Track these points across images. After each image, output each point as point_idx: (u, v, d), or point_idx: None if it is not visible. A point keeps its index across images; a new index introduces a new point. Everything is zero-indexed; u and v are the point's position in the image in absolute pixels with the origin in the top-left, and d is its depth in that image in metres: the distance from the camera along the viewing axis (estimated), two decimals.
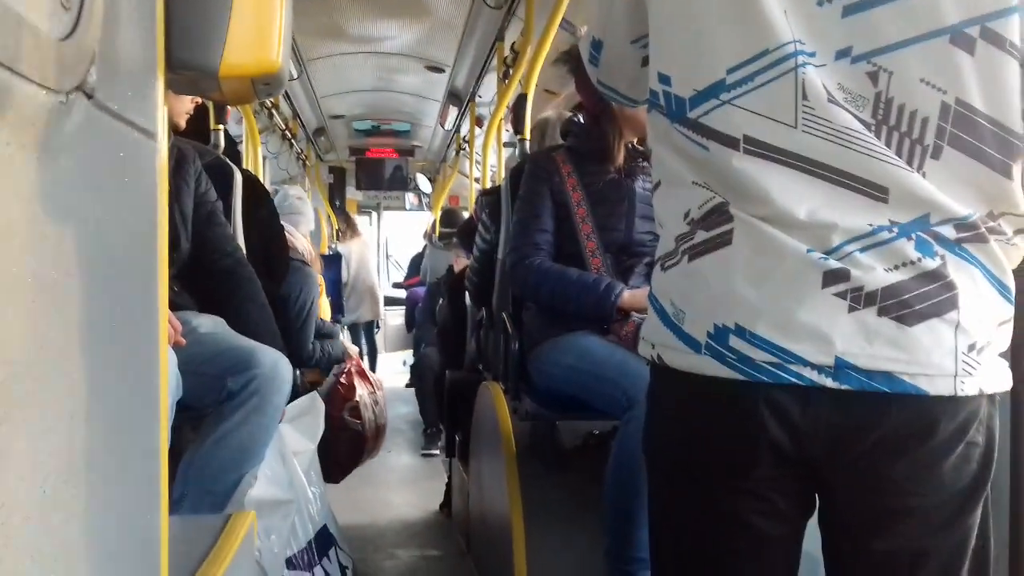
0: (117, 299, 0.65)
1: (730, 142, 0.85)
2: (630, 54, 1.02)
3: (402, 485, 4.18)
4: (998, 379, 0.86)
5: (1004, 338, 0.88)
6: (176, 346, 1.54)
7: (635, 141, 2.00)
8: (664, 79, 0.91)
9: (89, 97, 0.55)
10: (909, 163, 0.82)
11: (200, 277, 1.84)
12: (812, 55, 0.83)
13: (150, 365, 0.74)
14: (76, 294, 0.55)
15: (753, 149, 0.84)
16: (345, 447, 2.93)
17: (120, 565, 0.66)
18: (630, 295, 1.89)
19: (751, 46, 0.84)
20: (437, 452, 4.66)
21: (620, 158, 1.99)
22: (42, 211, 0.49)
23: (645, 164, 2.01)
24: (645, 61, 0.99)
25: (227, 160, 2.16)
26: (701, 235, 0.89)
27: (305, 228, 3.29)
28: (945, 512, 0.86)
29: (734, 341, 0.85)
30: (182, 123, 1.82)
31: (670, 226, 0.93)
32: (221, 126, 2.60)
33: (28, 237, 0.47)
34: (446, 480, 3.71)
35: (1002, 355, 0.88)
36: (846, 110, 0.82)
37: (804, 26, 0.83)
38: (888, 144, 0.82)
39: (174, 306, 1.72)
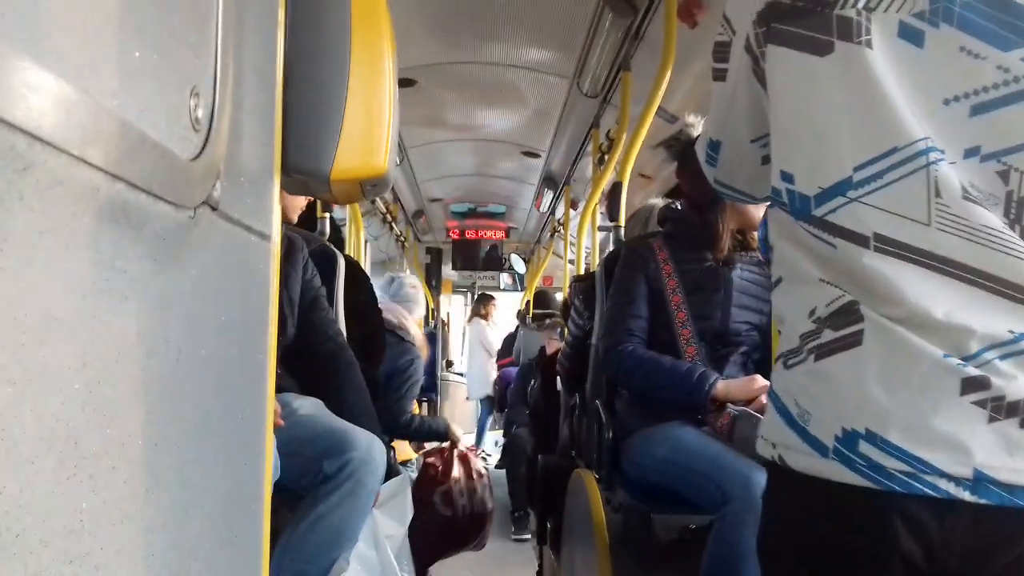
0: (231, 391, 0.68)
1: (859, 240, 0.83)
2: (750, 153, 1.03)
3: (491, 570, 4.12)
4: None
5: None
6: (276, 428, 1.59)
7: (738, 230, 1.99)
8: (787, 177, 0.90)
9: (214, 209, 0.59)
10: None
11: (302, 360, 1.90)
12: (942, 152, 0.81)
13: (257, 454, 0.76)
14: (194, 391, 0.58)
15: (884, 247, 0.82)
16: (433, 534, 2.84)
17: None
18: (724, 385, 1.85)
19: (879, 144, 0.82)
20: (528, 536, 4.59)
21: (724, 248, 1.98)
22: (168, 316, 0.53)
23: (744, 254, 2.00)
24: (765, 160, 0.99)
25: (331, 247, 2.25)
26: (829, 334, 0.86)
27: (418, 314, 3.33)
28: None
29: (864, 447, 0.81)
30: (295, 218, 1.92)
31: (793, 323, 0.91)
32: (327, 214, 2.72)
33: (154, 342, 0.50)
34: (537, 568, 3.64)
35: None
36: (982, 207, 0.80)
37: (931, 125, 0.82)
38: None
39: (277, 388, 1.78)
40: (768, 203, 0.99)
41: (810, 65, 0.87)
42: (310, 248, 2.04)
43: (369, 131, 0.87)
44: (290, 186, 0.88)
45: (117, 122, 0.43)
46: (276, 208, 0.80)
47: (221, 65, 0.60)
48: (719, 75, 1.03)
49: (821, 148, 0.87)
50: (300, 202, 1.91)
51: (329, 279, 2.10)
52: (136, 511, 0.48)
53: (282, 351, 1.87)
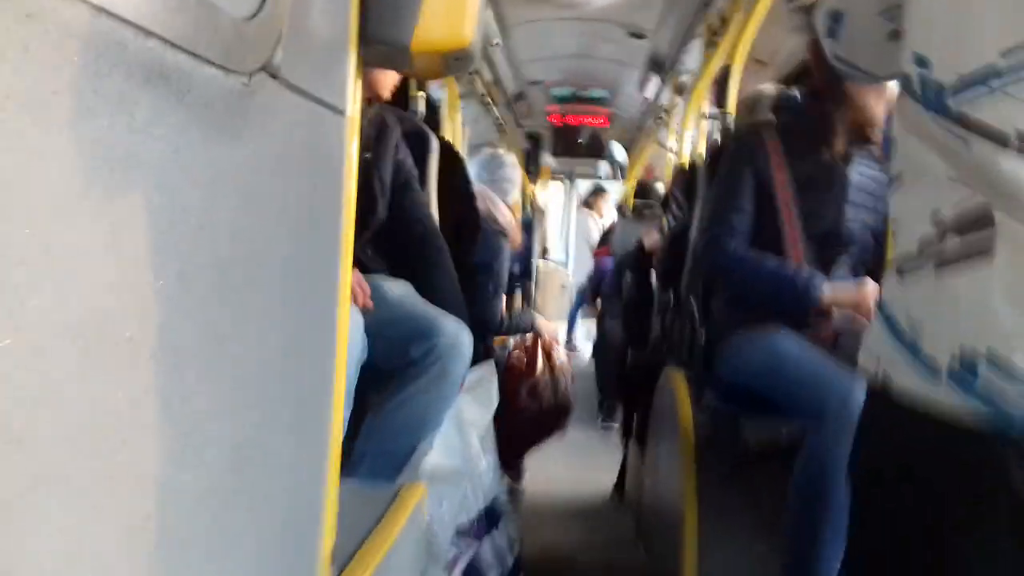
0: (298, 273, 0.64)
1: (999, 138, 0.72)
2: (876, 26, 0.91)
3: (577, 458, 4.18)
4: None
5: None
6: (365, 309, 1.58)
7: (859, 125, 1.81)
8: (921, 60, 0.78)
9: (274, 77, 0.54)
10: None
11: (393, 242, 1.89)
12: None
13: (329, 332, 0.74)
14: (252, 272, 0.55)
15: None
16: (522, 426, 2.89)
17: (287, 528, 0.67)
18: (832, 290, 1.74)
19: None
20: (616, 425, 4.62)
21: (841, 143, 1.81)
22: (220, 192, 0.49)
23: (863, 148, 1.83)
24: (892, 35, 0.88)
25: (425, 127, 2.19)
26: (953, 241, 0.76)
27: (513, 196, 3.17)
28: None
29: (983, 369, 0.73)
30: (387, 95, 1.85)
31: (912, 226, 0.81)
32: (422, 93, 2.65)
33: (202, 219, 0.46)
34: (621, 460, 3.67)
35: None
36: None
37: None
38: None
39: (366, 270, 1.78)
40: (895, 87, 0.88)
41: None
42: (403, 128, 1.99)
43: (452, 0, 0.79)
44: (369, 57, 0.81)
45: None
46: (353, 80, 0.74)
47: None
48: None
49: (965, 28, 0.75)
50: (393, 78, 1.83)
51: (422, 161, 2.05)
52: (202, 387, 0.45)
53: (373, 233, 1.85)
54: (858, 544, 0.89)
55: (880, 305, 0.86)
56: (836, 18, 0.97)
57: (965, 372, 0.74)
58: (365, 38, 0.76)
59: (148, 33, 0.38)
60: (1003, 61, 0.72)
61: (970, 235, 0.75)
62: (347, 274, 0.80)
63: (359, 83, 0.77)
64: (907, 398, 0.79)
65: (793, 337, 1.72)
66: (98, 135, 0.36)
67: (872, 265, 1.87)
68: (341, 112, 0.71)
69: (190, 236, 0.45)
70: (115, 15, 0.35)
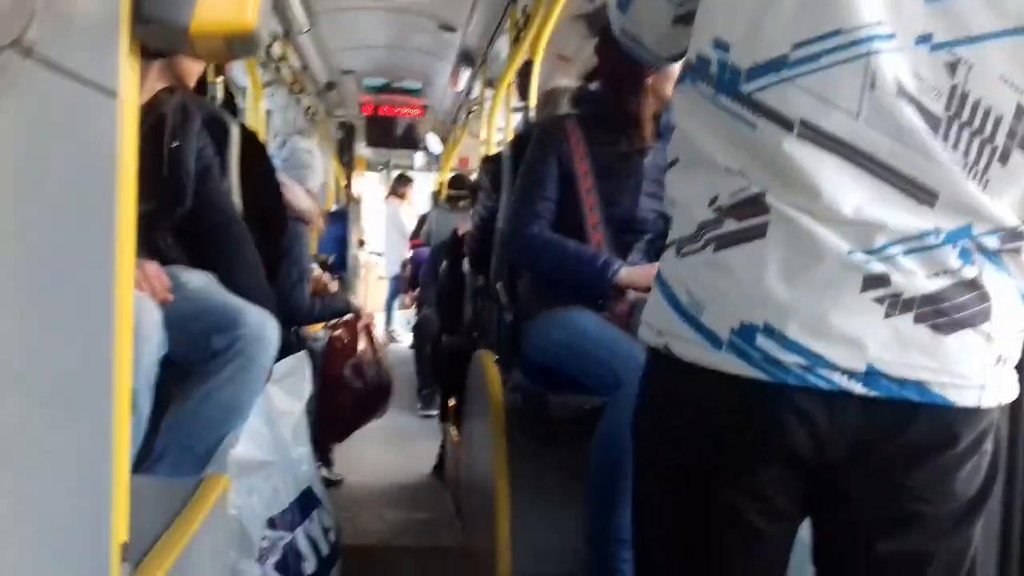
0: (66, 259, 0.62)
1: (784, 123, 0.80)
2: (664, 8, 0.96)
3: (397, 445, 4.20)
4: (1011, 389, 0.85)
5: (1020, 347, 0.86)
6: (163, 303, 1.52)
7: (656, 115, 1.93)
8: (721, 46, 0.84)
9: (27, 55, 0.52)
10: (976, 163, 0.78)
11: (193, 232, 1.82)
12: (890, 37, 0.78)
13: (104, 324, 0.71)
14: (13, 256, 0.53)
15: (808, 134, 0.79)
16: (346, 407, 2.90)
17: (71, 526, 0.65)
18: (627, 272, 1.86)
19: (824, 22, 0.78)
20: (434, 413, 4.68)
21: (643, 133, 1.93)
22: None
23: (658, 139, 1.96)
24: (676, 20, 0.94)
25: (225, 114, 2.12)
26: (731, 224, 0.84)
27: (313, 182, 3.13)
28: (953, 519, 0.85)
29: (761, 341, 0.81)
30: (192, 83, 1.78)
31: (690, 209, 0.88)
32: (220, 79, 2.56)
33: None
34: (440, 443, 3.72)
35: None
36: (914, 104, 0.78)
37: (887, 6, 0.78)
38: (957, 141, 0.78)
39: (165, 260, 1.71)
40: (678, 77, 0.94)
41: None
42: (202, 115, 1.91)
43: None
44: (147, 37, 0.79)
45: None
46: (126, 61, 0.72)
47: None
48: None
49: (763, 18, 0.82)
50: (199, 67, 1.78)
51: (221, 149, 1.98)
52: None
53: (178, 222, 1.78)
54: (643, 491, 0.97)
55: (659, 282, 0.93)
56: None
57: (744, 342, 0.82)
58: (140, 17, 0.74)
59: None
60: (794, 53, 0.80)
61: (746, 220, 0.83)
62: (127, 264, 0.77)
63: (134, 64, 0.74)
64: (689, 366, 0.86)
65: (591, 315, 1.83)
66: None
67: (664, 248, 2.01)
68: (113, 94, 0.69)
69: None
70: None
